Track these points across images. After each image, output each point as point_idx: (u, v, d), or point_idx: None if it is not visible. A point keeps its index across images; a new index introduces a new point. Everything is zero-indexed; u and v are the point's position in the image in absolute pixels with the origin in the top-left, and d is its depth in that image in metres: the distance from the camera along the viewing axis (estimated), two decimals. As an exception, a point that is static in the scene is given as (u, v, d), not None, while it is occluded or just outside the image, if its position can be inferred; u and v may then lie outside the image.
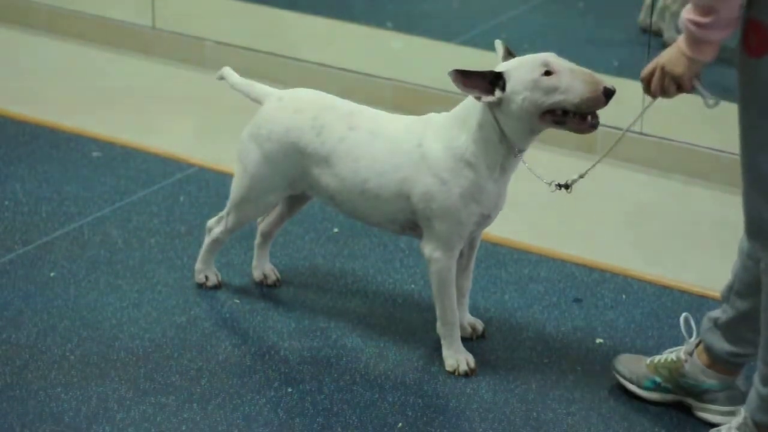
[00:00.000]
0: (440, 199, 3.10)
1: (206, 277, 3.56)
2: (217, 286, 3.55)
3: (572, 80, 2.96)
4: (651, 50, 4.30)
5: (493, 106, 3.03)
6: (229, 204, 3.43)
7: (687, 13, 2.60)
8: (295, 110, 3.27)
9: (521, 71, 2.99)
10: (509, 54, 3.11)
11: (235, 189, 3.38)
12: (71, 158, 4.34)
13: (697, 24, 2.59)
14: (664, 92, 2.75)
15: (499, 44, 3.13)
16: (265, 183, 3.31)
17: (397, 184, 3.14)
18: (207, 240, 3.53)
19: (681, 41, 2.66)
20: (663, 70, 2.72)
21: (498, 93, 3.00)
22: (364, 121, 3.23)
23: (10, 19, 5.49)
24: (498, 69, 3.03)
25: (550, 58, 3.00)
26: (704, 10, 2.56)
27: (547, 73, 2.97)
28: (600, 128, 3.02)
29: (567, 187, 3.14)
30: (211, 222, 3.53)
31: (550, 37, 5.28)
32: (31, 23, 5.46)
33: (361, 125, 3.21)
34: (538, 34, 5.34)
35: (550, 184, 3.14)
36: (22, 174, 4.20)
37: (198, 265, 3.56)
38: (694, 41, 2.63)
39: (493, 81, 3.00)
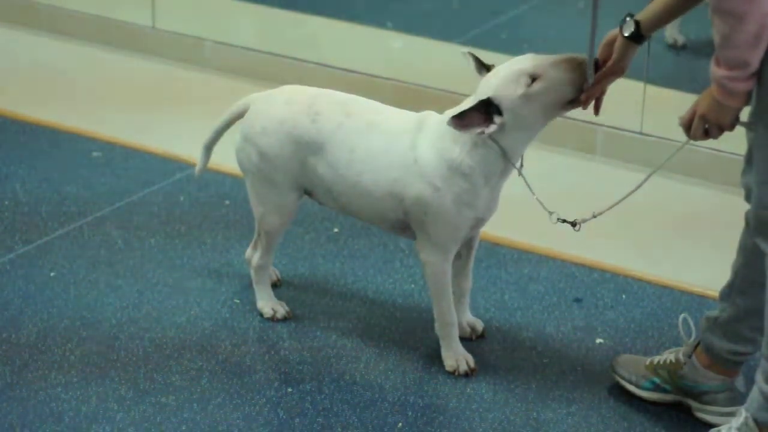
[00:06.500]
0: (434, 205, 3.06)
1: (273, 310, 3.42)
2: (287, 316, 3.43)
3: (557, 74, 2.93)
4: (651, 50, 4.29)
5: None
6: (256, 224, 3.38)
7: (717, 70, 2.63)
8: (287, 101, 3.23)
9: (508, 90, 2.94)
10: (482, 66, 3.06)
11: (252, 203, 3.32)
12: (71, 158, 4.34)
13: (729, 78, 2.62)
14: (708, 136, 2.78)
15: (467, 56, 3.08)
16: (271, 183, 3.25)
17: (389, 183, 3.11)
18: (252, 273, 3.43)
19: (716, 92, 2.67)
20: (705, 119, 2.73)
21: (498, 119, 2.95)
22: (360, 109, 3.19)
23: (10, 19, 5.48)
24: (481, 94, 2.97)
25: (527, 64, 2.95)
26: (737, 65, 2.59)
27: (532, 79, 2.95)
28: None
29: (574, 224, 3.11)
30: (247, 252, 3.44)
31: (550, 37, 5.27)
32: (31, 23, 5.46)
33: (358, 113, 3.17)
34: (538, 34, 5.33)
35: (551, 214, 3.09)
36: (22, 174, 4.19)
37: (258, 303, 3.43)
38: (729, 93, 2.65)
39: (485, 109, 2.95)
